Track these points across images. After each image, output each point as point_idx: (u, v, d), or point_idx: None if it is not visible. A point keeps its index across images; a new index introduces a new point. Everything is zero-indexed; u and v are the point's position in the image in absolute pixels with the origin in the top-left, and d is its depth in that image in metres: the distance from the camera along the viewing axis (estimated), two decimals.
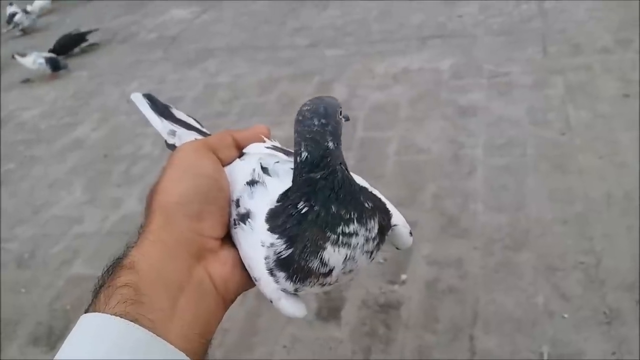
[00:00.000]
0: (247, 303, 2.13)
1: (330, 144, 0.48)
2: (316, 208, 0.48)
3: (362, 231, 0.49)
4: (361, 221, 0.49)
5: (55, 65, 4.83)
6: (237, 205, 0.53)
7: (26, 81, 4.89)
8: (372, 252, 0.51)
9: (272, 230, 0.49)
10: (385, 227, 0.53)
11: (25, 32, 6.46)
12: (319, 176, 0.47)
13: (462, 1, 4.65)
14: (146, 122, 0.68)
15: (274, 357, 1.94)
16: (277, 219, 0.50)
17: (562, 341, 1.80)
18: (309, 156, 0.48)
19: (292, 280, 0.50)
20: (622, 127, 2.74)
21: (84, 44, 5.38)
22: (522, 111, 3.04)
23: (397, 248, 0.59)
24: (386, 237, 0.54)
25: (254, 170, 0.55)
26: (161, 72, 4.57)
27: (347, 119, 0.53)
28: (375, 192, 0.55)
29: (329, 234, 0.48)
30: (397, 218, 0.56)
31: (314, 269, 0.49)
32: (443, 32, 4.25)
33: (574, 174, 2.49)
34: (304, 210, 0.48)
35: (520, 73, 3.43)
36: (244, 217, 0.52)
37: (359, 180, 0.54)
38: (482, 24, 4.25)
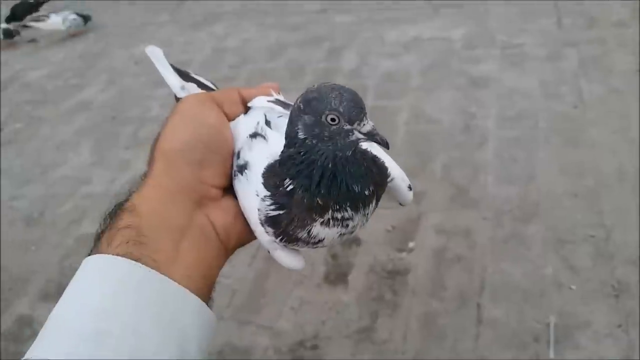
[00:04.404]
0: (256, 265, 2.15)
1: (300, 133, 0.48)
2: (300, 193, 0.48)
3: (357, 215, 0.50)
4: (356, 208, 0.49)
5: (86, 19, 4.83)
6: (238, 157, 0.53)
7: (32, 41, 4.84)
8: (368, 219, 0.53)
9: (265, 185, 0.50)
10: (382, 186, 0.53)
11: None
12: (300, 161, 0.48)
13: None
14: (155, 84, 0.67)
15: (281, 318, 1.96)
16: (272, 178, 0.50)
17: (569, 312, 1.81)
18: (287, 132, 0.49)
19: (279, 239, 0.51)
20: (636, 102, 2.71)
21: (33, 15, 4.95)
22: (534, 83, 3.01)
23: (400, 204, 0.60)
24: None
25: (258, 123, 0.55)
26: (168, 34, 4.51)
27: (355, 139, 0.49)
28: (375, 149, 0.54)
29: (316, 217, 0.49)
30: (395, 171, 0.56)
31: (302, 238, 0.50)
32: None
33: (586, 148, 2.48)
34: (289, 188, 0.49)
35: (534, 45, 3.38)
36: (242, 168, 0.52)
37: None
38: None
